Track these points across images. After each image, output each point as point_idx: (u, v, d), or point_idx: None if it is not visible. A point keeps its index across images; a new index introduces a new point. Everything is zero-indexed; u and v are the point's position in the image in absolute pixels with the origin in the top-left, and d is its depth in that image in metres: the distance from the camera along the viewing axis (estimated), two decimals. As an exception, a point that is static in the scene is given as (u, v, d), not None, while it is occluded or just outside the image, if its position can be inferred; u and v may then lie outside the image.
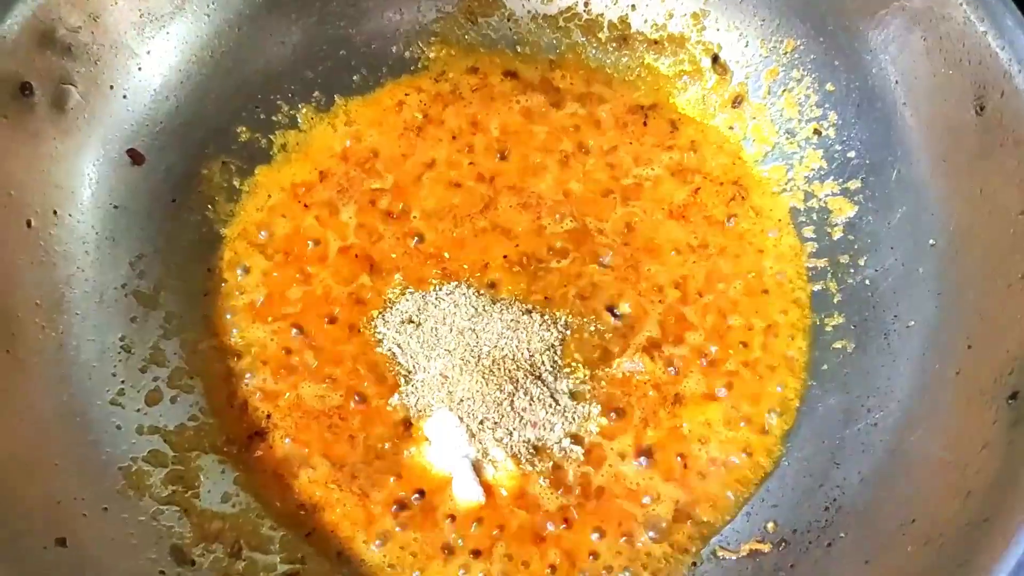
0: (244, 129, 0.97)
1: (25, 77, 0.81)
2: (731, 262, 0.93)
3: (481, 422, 0.84)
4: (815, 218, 0.94)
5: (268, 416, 0.86)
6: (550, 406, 0.85)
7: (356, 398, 0.87)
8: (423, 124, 1.00)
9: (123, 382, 0.84)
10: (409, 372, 0.88)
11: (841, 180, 0.93)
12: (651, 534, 0.82)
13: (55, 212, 0.84)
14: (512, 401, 0.84)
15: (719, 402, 0.87)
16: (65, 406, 0.79)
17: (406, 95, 1.02)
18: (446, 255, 0.93)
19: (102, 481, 0.78)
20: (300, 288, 0.92)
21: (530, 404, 0.84)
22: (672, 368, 0.88)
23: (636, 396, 0.87)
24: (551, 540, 0.82)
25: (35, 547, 0.69)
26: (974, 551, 0.65)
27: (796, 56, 0.95)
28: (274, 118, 0.98)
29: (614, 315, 0.91)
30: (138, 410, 0.83)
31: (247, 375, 0.88)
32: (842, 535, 0.77)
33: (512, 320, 0.88)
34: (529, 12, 1.04)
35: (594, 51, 1.04)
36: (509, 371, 0.85)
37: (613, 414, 0.86)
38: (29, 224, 0.81)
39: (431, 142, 1.00)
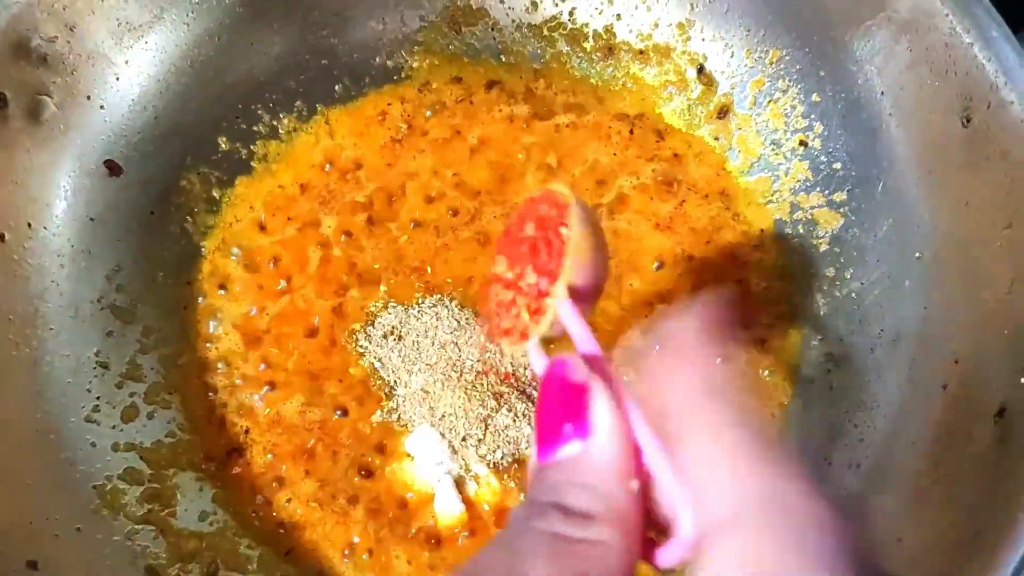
0: (224, 140, 0.96)
1: (-1, 88, 0.80)
2: (716, 275, 0.93)
3: (464, 438, 0.82)
4: (801, 230, 0.93)
5: (247, 431, 0.85)
6: (534, 420, 0.84)
7: (337, 413, 0.86)
8: (406, 134, 0.99)
9: (98, 398, 0.82)
10: (391, 387, 0.86)
11: (827, 192, 0.92)
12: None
13: (29, 225, 0.82)
14: (495, 417, 0.83)
15: (705, 416, 0.86)
16: (38, 423, 0.78)
17: (389, 105, 1.01)
18: (429, 269, 0.92)
19: (76, 500, 0.76)
20: (281, 301, 0.91)
21: (514, 420, 0.83)
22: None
23: (621, 410, 0.86)
24: (534, 558, 0.80)
25: (4, 571, 0.67)
26: (962, 571, 0.65)
27: (782, 66, 0.94)
28: (255, 128, 0.97)
29: (598, 328, 0.90)
30: (114, 427, 0.82)
31: (226, 390, 0.87)
32: (828, 553, 0.76)
33: (495, 334, 0.87)
34: (513, 21, 1.03)
35: (579, 61, 1.03)
36: (492, 386, 0.84)
37: (598, 429, 0.85)
38: (2, 238, 0.80)
39: (414, 152, 0.98)
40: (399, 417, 0.85)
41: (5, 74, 0.80)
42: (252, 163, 0.97)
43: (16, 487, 0.73)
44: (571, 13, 1.02)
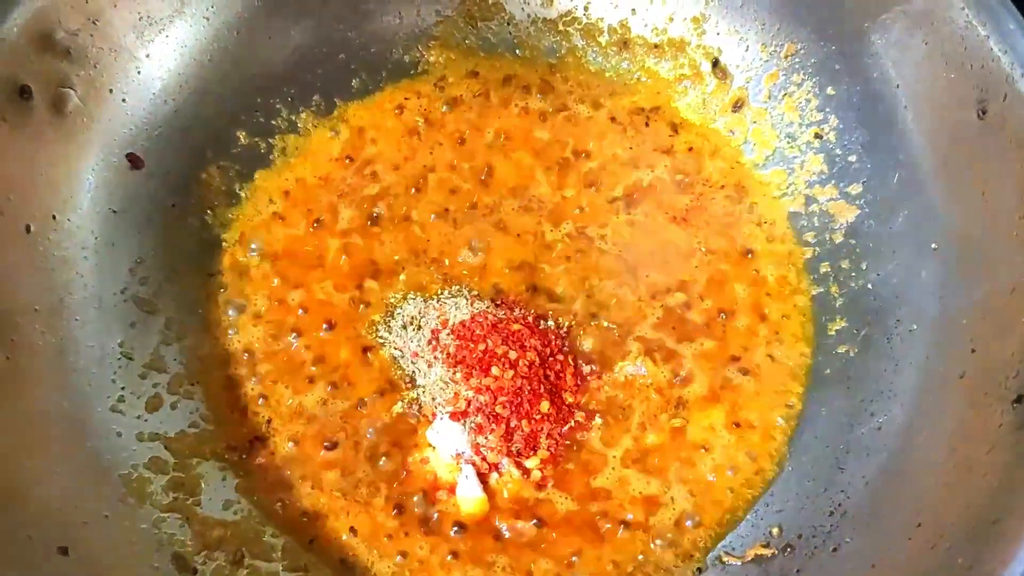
0: (243, 133, 0.96)
1: (24, 80, 0.80)
2: (732, 266, 0.93)
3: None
4: (816, 223, 0.94)
5: (269, 421, 0.86)
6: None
7: (358, 404, 0.86)
8: (424, 128, 1.00)
9: (123, 388, 0.83)
10: (411, 377, 0.87)
11: (842, 184, 0.93)
12: (655, 541, 0.81)
13: (54, 217, 0.83)
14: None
15: (722, 406, 0.87)
16: (65, 413, 0.78)
17: (406, 99, 1.02)
18: (447, 261, 0.93)
19: (103, 489, 0.77)
20: (301, 293, 0.91)
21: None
22: (675, 372, 0.88)
23: (639, 400, 0.87)
24: (554, 546, 0.81)
25: (36, 556, 0.68)
26: (981, 554, 0.65)
27: (797, 60, 0.95)
28: (273, 122, 0.98)
29: (616, 319, 0.90)
30: (138, 417, 0.82)
31: (248, 381, 0.87)
32: (847, 539, 0.76)
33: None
34: (529, 16, 1.04)
35: (594, 55, 1.04)
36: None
37: (616, 418, 0.86)
38: (28, 229, 0.81)
39: (431, 146, 0.99)
40: (420, 407, 0.86)
41: (30, 67, 0.81)
42: (271, 156, 0.97)
43: (45, 475, 0.74)
44: (586, 8, 1.03)
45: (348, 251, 0.93)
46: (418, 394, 0.86)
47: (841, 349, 0.88)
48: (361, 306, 0.91)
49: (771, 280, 0.93)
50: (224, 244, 0.93)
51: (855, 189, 0.92)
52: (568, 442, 0.85)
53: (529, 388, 0.84)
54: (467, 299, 0.90)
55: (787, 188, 0.96)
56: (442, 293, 0.91)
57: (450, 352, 0.86)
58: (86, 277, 0.84)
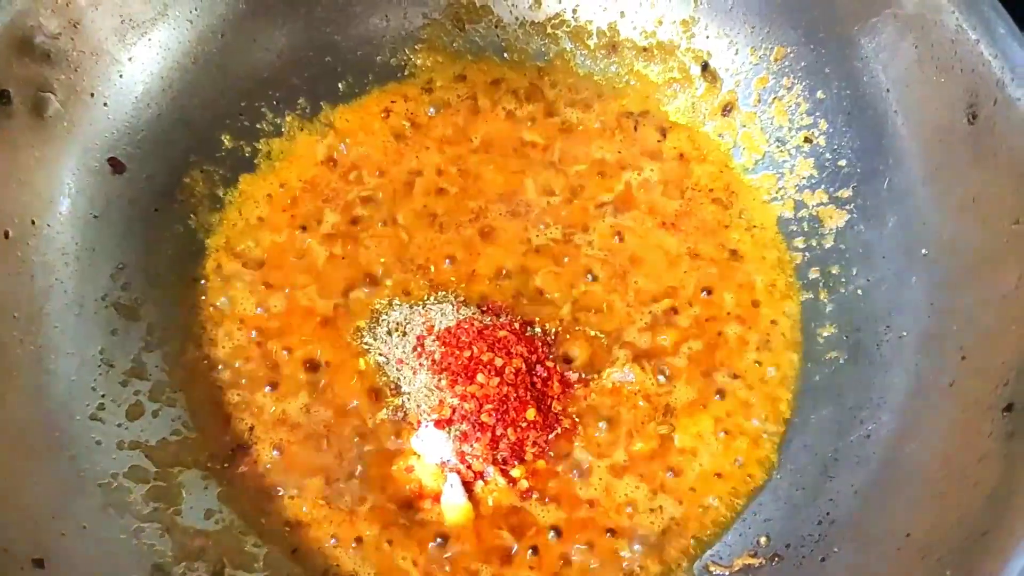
0: (228, 137, 0.95)
1: (3, 84, 0.79)
2: (721, 272, 0.93)
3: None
4: (806, 228, 0.93)
5: (251, 429, 0.85)
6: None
7: (342, 411, 0.85)
8: (410, 132, 0.99)
9: (103, 396, 0.82)
10: (396, 384, 0.86)
11: (832, 189, 0.92)
12: (641, 549, 0.81)
13: (33, 222, 0.82)
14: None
15: (710, 413, 0.86)
16: (43, 421, 0.77)
17: (393, 102, 1.01)
18: (432, 268, 0.92)
19: (81, 498, 0.76)
20: (285, 299, 0.90)
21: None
22: (663, 378, 0.87)
23: (627, 407, 0.86)
24: (540, 555, 0.80)
25: (11, 569, 0.67)
26: (971, 566, 0.65)
27: (786, 64, 0.94)
28: (258, 126, 0.97)
29: (603, 325, 0.90)
30: (119, 425, 0.81)
31: (231, 388, 0.86)
32: (836, 549, 0.76)
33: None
34: (517, 19, 1.03)
35: (583, 58, 1.03)
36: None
37: (603, 425, 0.85)
38: (7, 235, 0.80)
39: (418, 150, 0.98)
40: (405, 415, 0.85)
41: (9, 71, 0.80)
42: (256, 160, 0.97)
43: (21, 485, 0.73)
44: (575, 10, 1.02)
45: (333, 256, 0.92)
46: (403, 401, 0.85)
47: (830, 356, 0.87)
48: (346, 312, 0.90)
49: (760, 285, 0.92)
50: (207, 249, 0.92)
51: (845, 194, 0.91)
52: (553, 452, 0.84)
53: (515, 395, 0.83)
54: (453, 305, 0.89)
55: (776, 193, 0.95)
56: (428, 299, 0.90)
57: (435, 359, 0.85)
58: (66, 283, 0.83)
